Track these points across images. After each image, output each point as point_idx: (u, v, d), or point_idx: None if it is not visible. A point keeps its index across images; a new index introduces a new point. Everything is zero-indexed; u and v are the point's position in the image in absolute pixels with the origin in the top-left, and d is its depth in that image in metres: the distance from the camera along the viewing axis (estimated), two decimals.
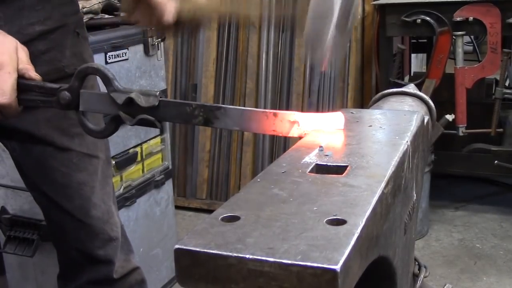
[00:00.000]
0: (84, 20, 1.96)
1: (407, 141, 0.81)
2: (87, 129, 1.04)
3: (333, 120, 0.86)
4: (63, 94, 1.02)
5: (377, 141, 0.83)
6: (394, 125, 0.90)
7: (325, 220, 0.58)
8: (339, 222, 0.58)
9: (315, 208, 0.61)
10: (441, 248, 2.98)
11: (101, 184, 1.50)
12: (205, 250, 0.54)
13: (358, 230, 0.56)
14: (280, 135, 0.89)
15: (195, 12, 1.04)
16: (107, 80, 0.98)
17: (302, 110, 3.18)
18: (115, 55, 2.24)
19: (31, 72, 1.08)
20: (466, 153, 3.29)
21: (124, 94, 0.96)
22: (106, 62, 2.19)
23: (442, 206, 3.40)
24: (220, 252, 0.54)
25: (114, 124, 1.00)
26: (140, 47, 2.39)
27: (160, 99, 0.95)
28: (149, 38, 2.39)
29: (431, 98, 1.14)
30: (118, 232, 1.54)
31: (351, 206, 0.61)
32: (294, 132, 0.87)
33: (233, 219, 0.59)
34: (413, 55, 4.16)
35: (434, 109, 1.09)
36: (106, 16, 2.38)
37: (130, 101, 0.95)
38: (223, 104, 3.37)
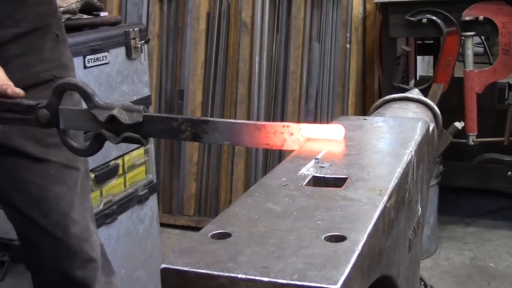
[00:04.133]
0: None
1: (411, 151, 0.83)
2: (70, 148, 1.06)
3: (332, 132, 0.87)
4: (42, 112, 1.04)
5: (378, 151, 0.84)
6: (397, 133, 0.91)
7: (323, 236, 0.59)
8: (339, 238, 0.59)
9: (312, 224, 0.62)
10: (451, 267, 2.99)
11: (80, 198, 1.50)
12: (194, 270, 0.55)
13: (359, 247, 0.57)
14: (274, 148, 0.91)
15: None
16: (86, 96, 1.00)
17: (298, 118, 3.19)
18: (94, 58, 2.24)
19: (12, 88, 1.11)
20: (477, 164, 3.30)
21: (106, 111, 0.98)
22: (85, 66, 2.20)
23: (452, 222, 3.41)
24: (210, 272, 0.54)
25: (98, 141, 1.02)
26: (121, 50, 2.39)
27: (144, 114, 0.97)
28: (132, 40, 2.40)
29: (439, 104, 1.16)
30: (98, 252, 1.55)
31: (351, 221, 0.62)
32: (288, 145, 0.88)
33: (224, 236, 0.60)
34: (418, 58, 4.18)
35: (440, 116, 1.11)
36: (85, 16, 2.39)
37: (112, 118, 0.97)
38: (212, 111, 3.38)
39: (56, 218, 1.47)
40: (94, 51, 2.24)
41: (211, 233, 0.61)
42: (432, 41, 3.84)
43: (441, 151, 2.81)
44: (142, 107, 0.99)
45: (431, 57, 4.35)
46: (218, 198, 3.41)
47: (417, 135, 0.90)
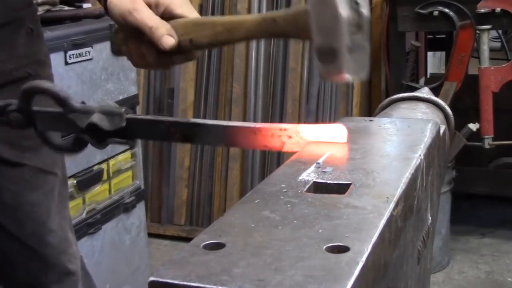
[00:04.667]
0: (39, 13, 1.98)
1: (420, 155, 0.83)
2: (54, 146, 1.05)
3: (333, 134, 0.88)
4: (14, 115, 1.03)
5: (385, 155, 0.85)
6: (405, 136, 0.92)
7: (324, 247, 0.60)
8: (341, 249, 0.59)
9: (313, 233, 0.62)
10: (465, 282, 2.99)
11: (58, 206, 1.50)
12: (185, 283, 0.55)
13: (363, 259, 0.58)
14: (274, 150, 0.92)
15: (193, 32, 1.03)
16: (60, 101, 0.99)
17: (298, 118, 3.20)
18: (76, 54, 2.25)
19: None
20: (493, 169, 3.32)
21: (85, 115, 0.98)
22: (66, 63, 2.21)
23: (466, 233, 3.42)
24: (202, 285, 0.55)
25: (81, 141, 1.02)
26: (106, 45, 2.40)
27: (127, 116, 0.97)
28: None
29: (452, 104, 1.17)
30: (77, 265, 1.55)
31: (354, 231, 0.63)
32: (288, 147, 0.89)
33: (217, 246, 0.61)
34: (429, 54, 4.19)
35: (452, 117, 1.12)
36: (66, 7, 2.39)
37: (93, 126, 0.97)
38: (205, 111, 3.38)
39: (31, 227, 1.47)
40: (76, 46, 2.24)
41: (203, 244, 0.61)
42: (444, 36, 3.86)
43: (453, 155, 2.82)
44: (123, 110, 0.98)
45: (443, 53, 4.36)
46: (211, 206, 3.42)
47: (427, 137, 0.91)
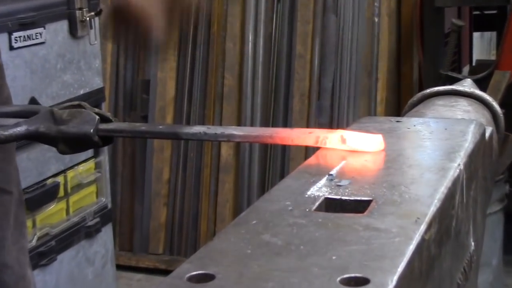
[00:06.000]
0: None
1: (459, 164, 0.84)
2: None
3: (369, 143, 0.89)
4: None
5: (415, 165, 0.86)
6: (441, 140, 0.93)
7: (338, 278, 0.61)
8: (359, 281, 0.60)
9: (325, 262, 0.63)
10: None
11: (14, 235, 1.50)
12: None
13: None
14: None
15: None
16: None
17: (307, 118, 3.20)
18: (24, 36, 2.25)
19: None
20: None
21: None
22: (11, 47, 2.20)
23: None
24: None
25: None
26: (63, 25, 2.40)
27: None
28: (77, 11, 2.41)
29: (503, 99, 1.18)
30: None
31: (376, 259, 0.64)
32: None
33: (205, 278, 0.62)
34: (475, 35, 4.19)
35: (502, 116, 1.13)
36: None
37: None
38: (190, 109, 3.38)
39: None
40: (24, 26, 2.24)
41: (188, 275, 0.62)
42: (495, 12, 3.86)
43: (506, 164, 2.83)
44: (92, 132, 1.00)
45: (493, 34, 4.37)
46: (197, 229, 3.41)
47: (468, 142, 0.92)
